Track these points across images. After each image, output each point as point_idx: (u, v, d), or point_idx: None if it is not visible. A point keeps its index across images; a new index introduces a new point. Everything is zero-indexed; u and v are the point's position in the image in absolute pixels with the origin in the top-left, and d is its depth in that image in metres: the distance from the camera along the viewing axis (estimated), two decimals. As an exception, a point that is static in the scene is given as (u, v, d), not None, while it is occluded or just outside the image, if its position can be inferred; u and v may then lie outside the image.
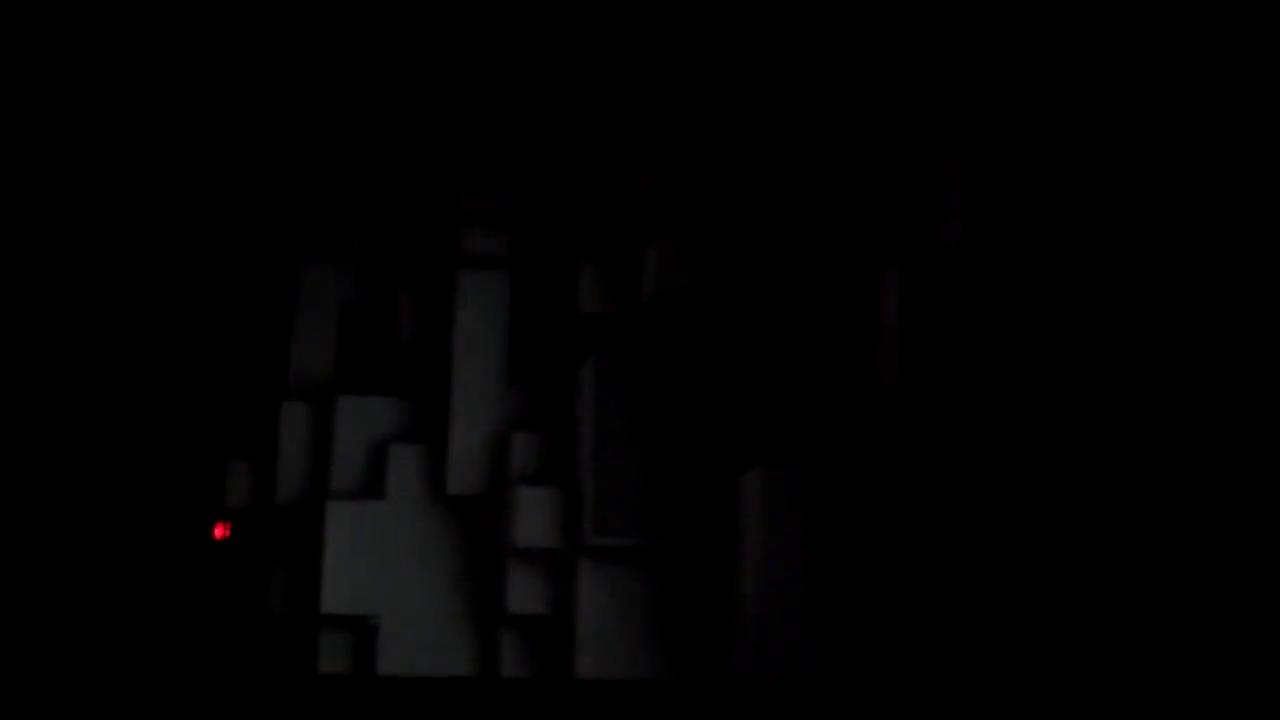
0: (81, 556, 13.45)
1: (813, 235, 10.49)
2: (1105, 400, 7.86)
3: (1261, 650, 6.94)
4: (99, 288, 13.79)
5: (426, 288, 12.84)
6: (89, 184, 13.60)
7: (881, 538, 9.16)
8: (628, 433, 10.88)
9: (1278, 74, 7.26)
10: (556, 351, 12.07)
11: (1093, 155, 8.12)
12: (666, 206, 11.17)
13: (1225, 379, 7.27)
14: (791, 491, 9.52)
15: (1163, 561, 7.46)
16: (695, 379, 10.98)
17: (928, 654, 8.60)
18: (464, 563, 12.02)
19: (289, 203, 13.56)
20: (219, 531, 13.31)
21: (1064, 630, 7.83)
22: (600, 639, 10.80)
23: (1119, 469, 7.75)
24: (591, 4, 11.70)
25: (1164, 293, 7.62)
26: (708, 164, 11.26)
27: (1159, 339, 7.62)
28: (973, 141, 8.86)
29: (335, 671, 11.85)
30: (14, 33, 12.46)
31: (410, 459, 12.20)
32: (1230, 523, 7.20)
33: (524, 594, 11.40)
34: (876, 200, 9.91)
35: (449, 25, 12.24)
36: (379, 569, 11.92)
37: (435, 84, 12.70)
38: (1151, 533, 7.56)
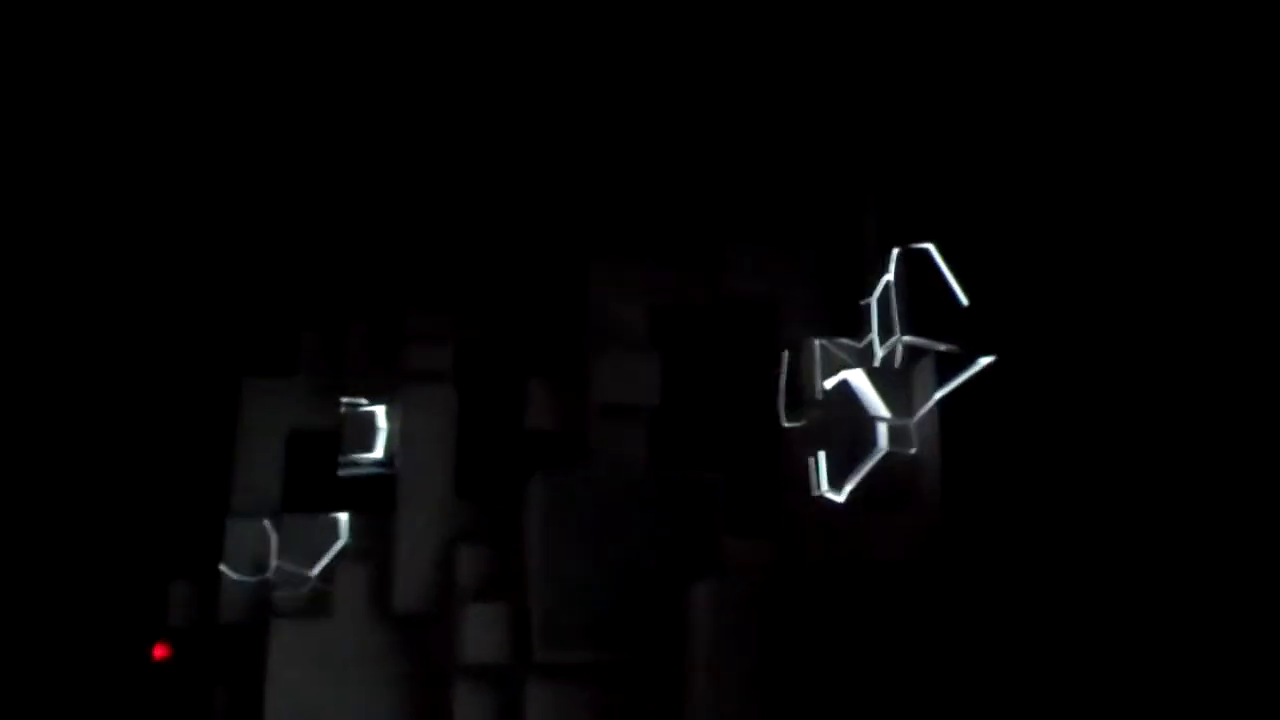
0: (21, 677, 13.21)
1: (762, 344, 10.64)
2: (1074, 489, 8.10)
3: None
4: (40, 406, 13.69)
5: (373, 404, 12.80)
6: (37, 298, 13.57)
7: (834, 646, 9.18)
8: (575, 547, 10.84)
9: (1217, 171, 7.61)
10: (504, 467, 12.05)
11: (1059, 259, 8.46)
12: (613, 319, 11.29)
13: (1191, 444, 7.53)
14: (741, 602, 9.51)
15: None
16: (643, 492, 10.99)
17: None
18: (411, 680, 11.88)
19: (234, 319, 13.56)
20: (159, 652, 13.11)
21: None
22: (550, 756, 10.67)
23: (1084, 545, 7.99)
24: (536, 122, 11.89)
25: (1122, 378, 7.90)
26: (654, 275, 11.42)
27: (1119, 424, 7.87)
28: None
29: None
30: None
31: (357, 576, 12.12)
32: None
33: (472, 711, 11.27)
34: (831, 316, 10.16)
35: (392, 144, 12.36)
36: (325, 688, 11.76)
37: (380, 201, 12.81)
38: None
